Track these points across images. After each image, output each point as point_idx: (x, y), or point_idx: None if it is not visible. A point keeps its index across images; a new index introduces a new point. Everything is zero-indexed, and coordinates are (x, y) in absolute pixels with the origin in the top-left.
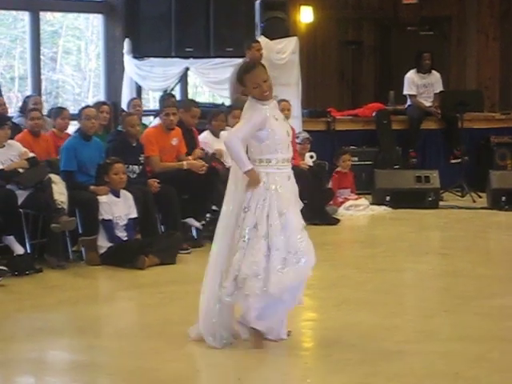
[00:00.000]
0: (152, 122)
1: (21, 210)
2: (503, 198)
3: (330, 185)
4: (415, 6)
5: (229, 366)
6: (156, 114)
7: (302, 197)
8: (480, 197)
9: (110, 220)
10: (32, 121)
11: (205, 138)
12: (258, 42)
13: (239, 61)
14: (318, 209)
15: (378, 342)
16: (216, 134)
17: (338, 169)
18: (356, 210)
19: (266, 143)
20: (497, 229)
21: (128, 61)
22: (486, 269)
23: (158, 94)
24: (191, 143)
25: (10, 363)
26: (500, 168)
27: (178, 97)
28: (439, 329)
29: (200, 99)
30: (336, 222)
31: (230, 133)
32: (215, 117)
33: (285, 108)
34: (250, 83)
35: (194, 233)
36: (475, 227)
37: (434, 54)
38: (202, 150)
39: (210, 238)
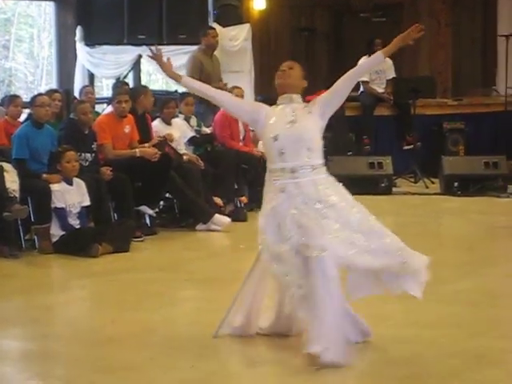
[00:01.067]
0: (105, 109)
1: None
2: (456, 184)
3: None
4: None
5: (183, 354)
6: (109, 101)
7: (255, 184)
8: (433, 182)
9: (62, 208)
10: None
11: (156, 126)
12: (213, 28)
13: (192, 48)
14: None
15: None
16: (168, 122)
17: None
18: None
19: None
20: (449, 214)
21: (80, 48)
22: (439, 254)
23: (111, 82)
24: (145, 130)
25: None
26: (452, 154)
27: (131, 84)
28: (392, 314)
29: (154, 86)
30: None
31: None
32: (166, 104)
33: (238, 95)
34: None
35: (148, 220)
36: (428, 213)
37: (387, 41)
38: (160, 137)
39: (163, 226)
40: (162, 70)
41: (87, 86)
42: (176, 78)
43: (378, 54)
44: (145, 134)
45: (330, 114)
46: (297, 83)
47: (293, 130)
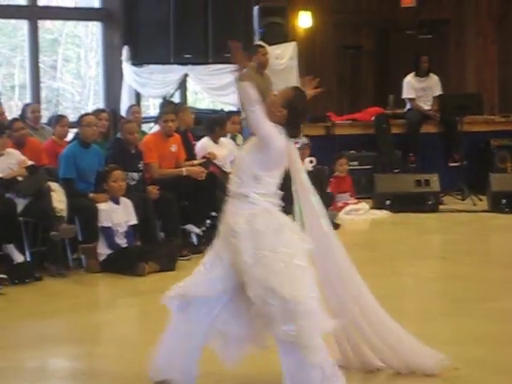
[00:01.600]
0: (152, 128)
1: (20, 218)
2: (503, 201)
3: (329, 189)
4: (413, 9)
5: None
6: (155, 120)
7: None
8: (480, 200)
9: (109, 227)
10: (16, 132)
11: (204, 144)
12: (263, 46)
13: None
14: None
15: None
16: (215, 140)
17: (336, 173)
18: (356, 214)
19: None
20: (497, 232)
21: (127, 68)
22: (486, 272)
23: (158, 101)
24: (187, 147)
25: (11, 371)
26: (500, 171)
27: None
28: (439, 332)
29: (200, 105)
30: (336, 226)
31: None
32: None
33: None
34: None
35: (194, 239)
36: (475, 230)
37: (433, 58)
38: (204, 156)
39: (210, 244)
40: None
41: (134, 105)
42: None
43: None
44: (187, 152)
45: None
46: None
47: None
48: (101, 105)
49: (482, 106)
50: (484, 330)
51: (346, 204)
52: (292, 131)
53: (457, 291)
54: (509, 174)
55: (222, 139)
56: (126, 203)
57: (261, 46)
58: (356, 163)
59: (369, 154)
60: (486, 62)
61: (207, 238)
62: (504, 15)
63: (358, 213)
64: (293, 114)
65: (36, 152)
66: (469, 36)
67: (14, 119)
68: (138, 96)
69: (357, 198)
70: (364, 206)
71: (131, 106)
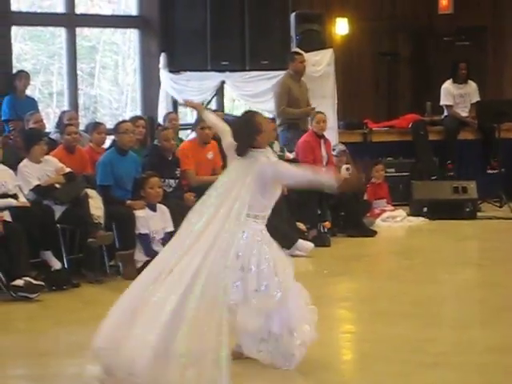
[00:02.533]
0: (189, 135)
1: (58, 225)
2: None
3: (366, 197)
4: (450, 16)
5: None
6: (192, 127)
7: (339, 209)
8: None
9: (146, 234)
10: (69, 135)
11: None
12: (300, 54)
13: (275, 73)
14: (355, 221)
15: (415, 354)
16: None
17: (372, 180)
18: (393, 221)
19: (267, 198)
20: None
21: (164, 75)
22: None
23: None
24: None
25: (50, 378)
26: None
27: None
28: (476, 340)
29: (237, 112)
30: (373, 233)
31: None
32: None
33: (320, 120)
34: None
35: None
36: (507, 238)
37: (470, 64)
38: None
39: None
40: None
41: (171, 112)
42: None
43: (331, 181)
44: (224, 160)
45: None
46: None
47: None
48: (138, 112)
49: None
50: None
51: (383, 211)
52: None
53: (495, 299)
54: None
55: None
56: (163, 210)
57: (298, 54)
58: (393, 170)
59: (406, 161)
60: None
61: None
62: None
63: (395, 220)
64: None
65: (83, 161)
66: (507, 43)
67: (68, 124)
68: (175, 103)
69: (394, 205)
70: (401, 213)
71: (168, 113)
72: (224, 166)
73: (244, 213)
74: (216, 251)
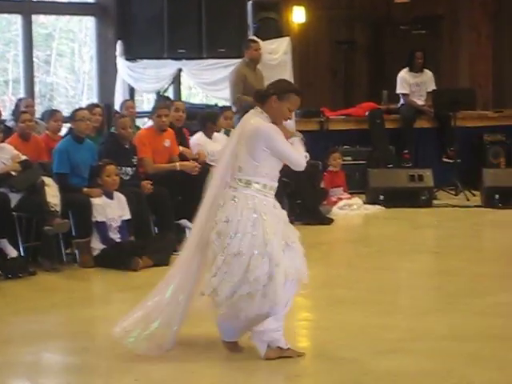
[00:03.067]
0: (146, 123)
1: (14, 213)
2: (497, 196)
3: (322, 184)
4: (407, 5)
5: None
6: (149, 115)
7: (295, 197)
8: (474, 195)
9: (103, 222)
10: (23, 123)
11: (198, 139)
12: (256, 41)
13: (232, 61)
14: (311, 208)
15: (371, 340)
16: (209, 135)
17: (330, 168)
18: (350, 209)
19: (262, 164)
20: (490, 227)
21: (121, 63)
22: (480, 267)
23: (152, 96)
24: (183, 144)
25: (6, 366)
26: (493, 166)
27: (172, 98)
28: (432, 327)
29: (194, 100)
30: (330, 221)
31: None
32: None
33: None
34: (289, 104)
35: (188, 234)
36: (469, 225)
37: (427, 53)
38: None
39: None
40: None
41: (128, 100)
42: None
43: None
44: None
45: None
46: None
47: None
48: (94, 99)
49: (476, 101)
50: (476, 325)
51: (340, 199)
52: None
53: (450, 286)
54: (502, 169)
55: (216, 134)
56: (120, 198)
57: (253, 41)
58: (350, 158)
59: (362, 149)
60: (480, 58)
61: None
62: (498, 10)
63: (352, 208)
64: None
65: (38, 148)
66: (463, 31)
67: (23, 111)
68: (131, 91)
69: (350, 193)
70: (357, 201)
71: (125, 101)
72: (180, 154)
73: (229, 175)
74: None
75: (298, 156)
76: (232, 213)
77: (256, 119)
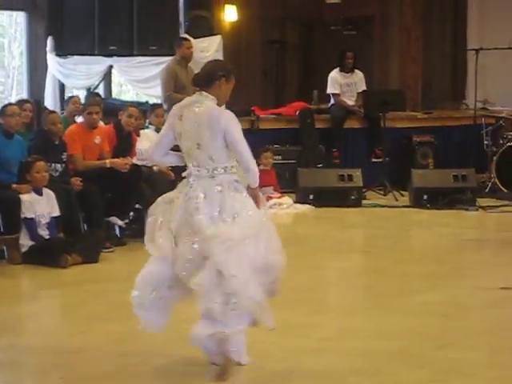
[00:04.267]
0: (77, 119)
1: None
2: (425, 197)
3: None
4: (338, 5)
5: (152, 365)
6: (80, 112)
7: None
8: (402, 195)
9: (32, 218)
10: None
11: None
12: (188, 39)
13: (163, 59)
14: None
15: (299, 339)
16: (136, 133)
17: (260, 167)
18: (279, 208)
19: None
20: (418, 227)
21: (51, 59)
22: (408, 266)
23: (82, 92)
24: (128, 147)
25: None
26: (422, 167)
27: (101, 95)
28: (361, 326)
29: (124, 97)
30: None
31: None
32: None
33: None
34: (232, 85)
35: (117, 231)
36: (397, 225)
37: (358, 54)
38: None
39: (133, 237)
40: None
41: (74, 96)
42: None
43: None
44: (127, 151)
45: None
46: None
47: None
48: (24, 95)
49: (405, 102)
50: (404, 324)
51: (270, 198)
52: None
53: (379, 285)
54: (430, 169)
55: (145, 131)
56: (49, 194)
57: (185, 39)
58: (280, 157)
59: (293, 149)
60: (410, 59)
61: (130, 231)
62: (428, 11)
63: (282, 207)
64: None
65: None
66: (393, 33)
67: None
68: (62, 87)
69: (281, 193)
70: (287, 200)
71: (72, 97)
72: (112, 151)
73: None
74: None
75: (251, 158)
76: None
77: (209, 104)
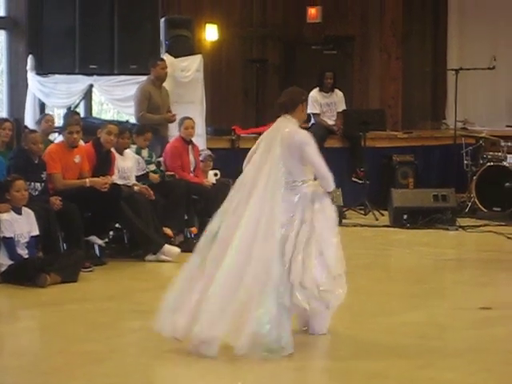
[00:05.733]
0: (56, 139)
1: None
2: (405, 216)
3: None
4: (319, 25)
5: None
6: (60, 131)
7: (205, 214)
8: (382, 215)
9: (11, 238)
10: None
11: None
12: (163, 60)
13: (144, 78)
14: None
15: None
16: (120, 152)
17: None
18: None
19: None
20: (398, 246)
21: (31, 77)
22: (388, 286)
23: (63, 111)
24: (107, 165)
25: None
26: (402, 186)
27: (82, 114)
28: (340, 346)
29: (105, 116)
30: None
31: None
32: (121, 134)
33: (189, 126)
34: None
35: (97, 250)
36: (377, 245)
37: (338, 73)
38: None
39: (113, 256)
40: None
41: (47, 114)
42: None
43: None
44: (106, 170)
45: None
46: None
47: None
48: (4, 114)
49: (385, 121)
50: (385, 344)
51: None
52: None
53: (356, 305)
54: (410, 189)
55: (127, 151)
56: (29, 214)
57: (160, 59)
58: None
59: None
60: (390, 79)
61: (110, 250)
62: (408, 32)
63: None
64: None
65: None
66: (373, 52)
67: None
68: (42, 106)
69: None
70: None
71: (45, 115)
72: (92, 170)
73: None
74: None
75: (327, 171)
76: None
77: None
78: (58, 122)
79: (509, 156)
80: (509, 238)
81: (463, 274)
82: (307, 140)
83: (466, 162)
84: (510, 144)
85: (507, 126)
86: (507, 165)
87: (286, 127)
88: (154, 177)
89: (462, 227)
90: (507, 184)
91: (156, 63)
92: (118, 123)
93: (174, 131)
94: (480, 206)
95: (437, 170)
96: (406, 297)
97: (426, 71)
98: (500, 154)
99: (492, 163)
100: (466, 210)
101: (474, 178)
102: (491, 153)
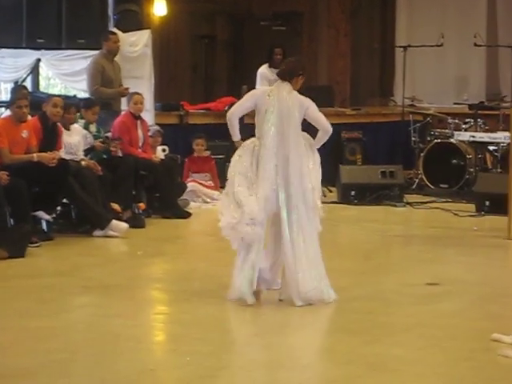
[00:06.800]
0: (3, 113)
1: None
2: (352, 193)
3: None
4: (268, 1)
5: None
6: (7, 105)
7: (154, 190)
8: (330, 191)
9: None
10: None
11: None
12: (115, 33)
13: (92, 52)
14: (169, 202)
15: (227, 334)
16: (66, 127)
17: (194, 154)
18: (211, 203)
19: None
20: (346, 223)
21: None
22: (335, 262)
23: (9, 86)
24: (54, 138)
25: None
26: (350, 163)
27: (29, 89)
28: (287, 322)
29: (53, 91)
30: (188, 215)
31: None
32: (67, 109)
33: (138, 101)
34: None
35: (44, 226)
36: (325, 221)
37: (287, 50)
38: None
39: (60, 231)
40: None
41: None
42: None
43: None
44: (54, 144)
45: None
46: None
47: None
48: None
49: (333, 98)
50: (333, 320)
51: (201, 184)
52: None
53: None
54: (358, 166)
55: (75, 126)
56: None
57: (112, 33)
58: (209, 152)
59: (222, 144)
60: (338, 55)
61: (58, 225)
62: (356, 8)
63: (213, 202)
64: None
65: None
66: (321, 29)
67: None
68: None
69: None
70: (217, 194)
71: None
72: (39, 144)
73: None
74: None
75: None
76: None
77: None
78: (6, 96)
79: (456, 133)
80: (455, 214)
81: (411, 249)
82: (310, 100)
83: (413, 138)
84: (457, 121)
85: (455, 103)
86: (454, 142)
87: (291, 91)
88: (100, 145)
89: (410, 203)
90: (454, 161)
91: (108, 37)
92: (66, 98)
93: (126, 105)
94: (427, 182)
95: (385, 146)
96: (354, 273)
97: (374, 48)
98: (447, 130)
99: (439, 140)
100: (414, 187)
101: (422, 154)
102: (439, 130)
